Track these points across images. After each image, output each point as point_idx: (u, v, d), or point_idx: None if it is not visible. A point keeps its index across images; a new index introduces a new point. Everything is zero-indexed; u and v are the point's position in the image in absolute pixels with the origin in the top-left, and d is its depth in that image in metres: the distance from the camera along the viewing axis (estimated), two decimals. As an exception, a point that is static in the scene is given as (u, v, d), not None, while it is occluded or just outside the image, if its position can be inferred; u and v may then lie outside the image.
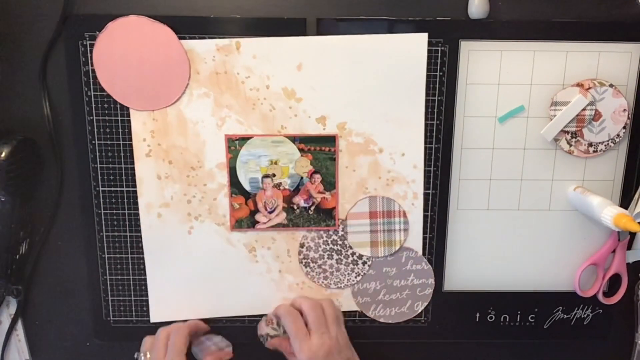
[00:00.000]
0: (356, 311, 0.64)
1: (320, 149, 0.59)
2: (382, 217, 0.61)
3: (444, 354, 0.65)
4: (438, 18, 0.57)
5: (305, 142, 0.59)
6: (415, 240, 0.62)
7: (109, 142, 0.58)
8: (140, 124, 0.58)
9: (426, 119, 0.59)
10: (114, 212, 0.60)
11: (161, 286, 0.62)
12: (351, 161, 0.59)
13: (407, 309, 0.63)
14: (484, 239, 0.62)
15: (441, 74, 0.58)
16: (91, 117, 0.58)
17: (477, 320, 0.64)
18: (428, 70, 0.58)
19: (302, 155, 0.59)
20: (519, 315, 0.64)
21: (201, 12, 0.56)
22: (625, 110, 0.58)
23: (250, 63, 0.57)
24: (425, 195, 0.61)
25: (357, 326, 0.64)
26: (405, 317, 0.63)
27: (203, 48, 0.56)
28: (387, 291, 0.63)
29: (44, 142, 0.59)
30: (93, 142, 0.59)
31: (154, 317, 0.63)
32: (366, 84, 0.57)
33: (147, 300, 0.63)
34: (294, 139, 0.59)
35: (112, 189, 0.60)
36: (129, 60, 0.56)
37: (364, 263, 0.62)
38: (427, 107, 0.59)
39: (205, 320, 0.62)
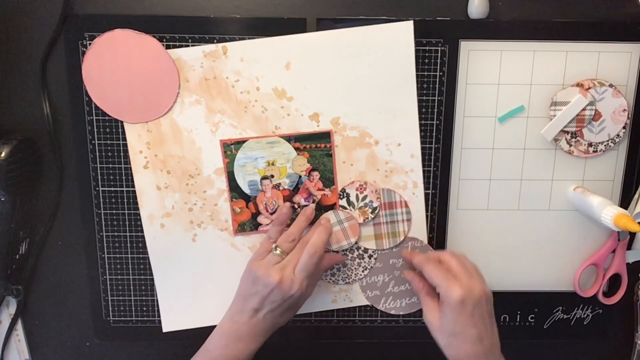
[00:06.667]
0: (356, 310, 0.64)
1: (316, 146, 0.59)
2: (384, 208, 0.60)
3: (444, 354, 0.65)
4: (438, 18, 0.57)
5: (300, 141, 0.59)
6: (419, 229, 0.61)
7: (108, 142, 0.59)
8: (135, 137, 0.58)
9: (426, 119, 0.59)
10: (114, 212, 0.60)
11: (170, 296, 0.62)
12: (348, 155, 0.59)
13: (417, 299, 0.63)
14: (483, 238, 0.62)
15: (441, 74, 0.58)
16: (91, 117, 0.58)
17: (477, 320, 0.64)
18: (428, 70, 0.58)
19: (298, 154, 0.59)
20: (519, 315, 0.64)
21: (201, 12, 0.56)
22: (625, 110, 0.58)
23: (238, 66, 0.57)
24: (425, 195, 0.61)
25: (357, 326, 0.64)
26: (416, 308, 0.63)
27: (190, 55, 0.56)
28: (395, 283, 0.63)
29: (44, 142, 0.59)
30: (93, 142, 0.59)
31: (166, 327, 0.63)
32: (356, 77, 0.57)
33: (146, 300, 0.63)
34: (288, 138, 0.58)
35: (112, 189, 0.60)
36: (118, 74, 0.56)
37: (370, 256, 0.62)
38: (427, 107, 0.59)
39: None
